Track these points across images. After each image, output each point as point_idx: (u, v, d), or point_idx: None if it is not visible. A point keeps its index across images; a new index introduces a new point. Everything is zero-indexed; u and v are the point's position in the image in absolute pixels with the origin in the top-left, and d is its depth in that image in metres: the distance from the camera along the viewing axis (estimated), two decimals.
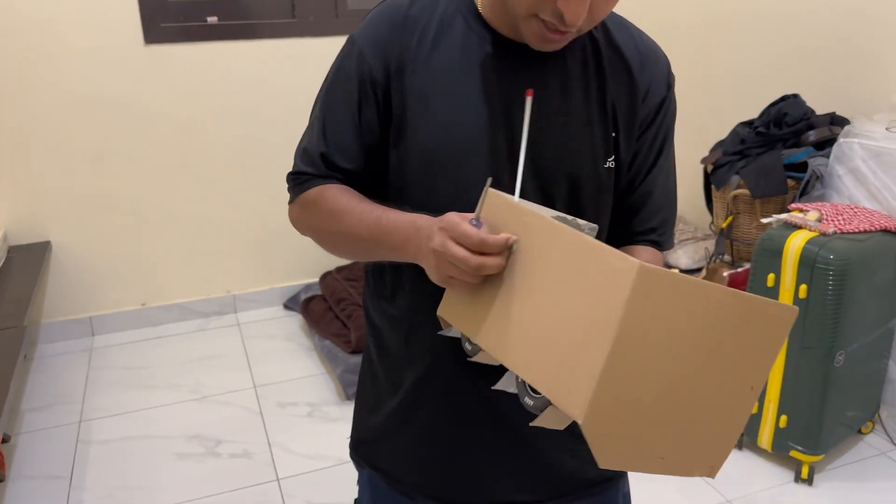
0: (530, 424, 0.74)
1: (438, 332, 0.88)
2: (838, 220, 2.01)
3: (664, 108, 0.93)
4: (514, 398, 0.81)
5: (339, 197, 0.90)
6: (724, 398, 0.74)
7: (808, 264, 1.90)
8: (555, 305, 0.72)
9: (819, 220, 2.02)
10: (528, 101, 0.80)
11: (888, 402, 2.25)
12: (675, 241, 3.24)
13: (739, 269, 2.47)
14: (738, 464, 2.13)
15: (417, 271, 0.85)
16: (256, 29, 2.84)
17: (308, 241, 1.02)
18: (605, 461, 0.70)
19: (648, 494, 2.01)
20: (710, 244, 2.94)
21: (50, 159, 2.69)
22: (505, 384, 0.84)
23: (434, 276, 0.79)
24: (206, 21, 2.79)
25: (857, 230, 1.98)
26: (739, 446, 2.19)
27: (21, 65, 2.57)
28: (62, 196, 2.76)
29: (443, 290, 0.84)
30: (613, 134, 0.90)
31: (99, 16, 2.61)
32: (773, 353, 0.75)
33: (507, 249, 0.75)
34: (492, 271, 0.75)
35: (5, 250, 2.65)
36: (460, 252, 0.74)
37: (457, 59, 0.87)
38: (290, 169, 0.98)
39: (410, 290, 0.95)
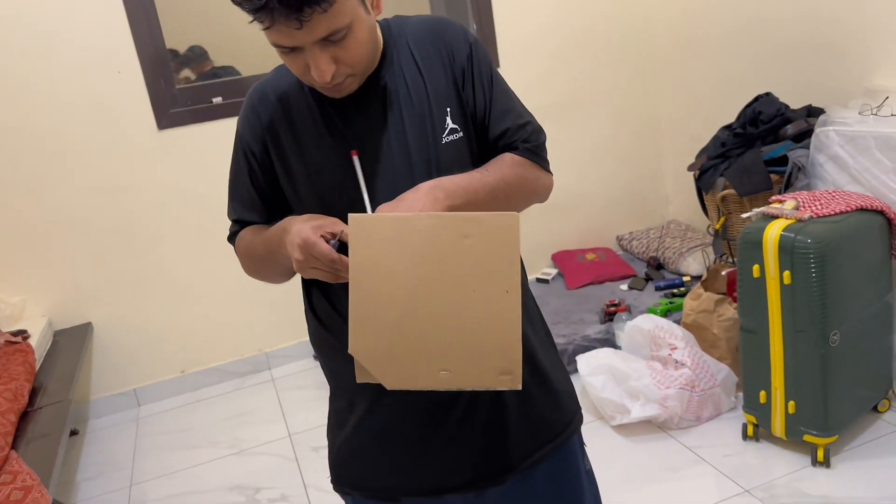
0: (357, 381, 0.89)
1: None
2: (815, 206, 2.08)
3: (474, 58, 1.10)
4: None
5: (245, 236, 1.17)
6: (483, 306, 0.84)
7: (788, 251, 1.97)
8: None
9: (796, 208, 2.09)
10: (355, 159, 1.01)
11: None
12: (684, 248, 3.31)
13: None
14: (756, 453, 2.17)
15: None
16: None
17: None
18: (389, 382, 0.84)
19: (672, 484, 2.06)
20: None
21: (83, 246, 2.92)
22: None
23: (299, 272, 0.99)
24: (211, 102, 3.02)
25: (833, 213, 2.04)
26: (756, 437, 2.22)
27: (49, 162, 2.82)
28: (98, 279, 2.97)
29: None
30: (448, 108, 1.07)
31: (115, 112, 2.86)
32: (510, 257, 0.85)
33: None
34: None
35: (51, 335, 2.87)
36: (319, 265, 0.93)
37: (308, 116, 1.08)
38: None
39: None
